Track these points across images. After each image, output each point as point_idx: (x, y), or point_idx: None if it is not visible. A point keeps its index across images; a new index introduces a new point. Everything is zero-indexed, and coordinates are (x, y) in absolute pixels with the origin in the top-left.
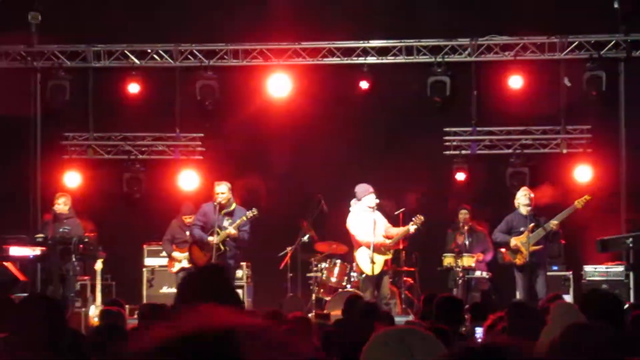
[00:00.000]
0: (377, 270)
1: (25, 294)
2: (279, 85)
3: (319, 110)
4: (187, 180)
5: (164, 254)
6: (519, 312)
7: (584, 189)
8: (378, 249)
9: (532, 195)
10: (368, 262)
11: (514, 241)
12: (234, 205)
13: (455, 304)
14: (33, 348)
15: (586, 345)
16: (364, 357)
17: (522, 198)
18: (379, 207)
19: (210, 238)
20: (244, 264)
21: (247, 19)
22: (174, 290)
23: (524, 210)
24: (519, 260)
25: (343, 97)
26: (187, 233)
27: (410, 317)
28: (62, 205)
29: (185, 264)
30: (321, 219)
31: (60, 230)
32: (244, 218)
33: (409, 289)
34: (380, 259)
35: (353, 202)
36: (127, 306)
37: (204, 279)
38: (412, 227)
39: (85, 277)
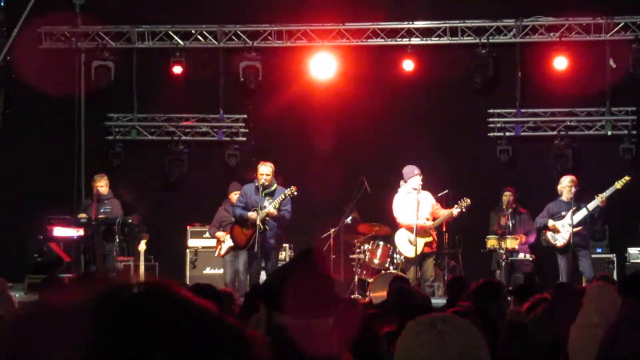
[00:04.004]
0: (417, 252)
1: (69, 275)
2: (323, 67)
3: (363, 92)
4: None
5: (207, 235)
6: (564, 294)
7: (628, 171)
8: (420, 231)
9: (576, 182)
10: (407, 244)
11: (551, 222)
12: (275, 186)
13: (496, 288)
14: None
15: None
16: (399, 348)
17: (566, 186)
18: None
19: (250, 214)
20: (286, 245)
21: (291, 0)
22: (217, 271)
23: (566, 197)
24: (559, 242)
25: (387, 78)
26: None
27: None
28: (104, 186)
29: (230, 242)
30: (364, 200)
31: (102, 210)
32: (283, 196)
33: (452, 271)
34: (420, 241)
35: (401, 183)
36: None
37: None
38: (455, 210)
39: (129, 258)
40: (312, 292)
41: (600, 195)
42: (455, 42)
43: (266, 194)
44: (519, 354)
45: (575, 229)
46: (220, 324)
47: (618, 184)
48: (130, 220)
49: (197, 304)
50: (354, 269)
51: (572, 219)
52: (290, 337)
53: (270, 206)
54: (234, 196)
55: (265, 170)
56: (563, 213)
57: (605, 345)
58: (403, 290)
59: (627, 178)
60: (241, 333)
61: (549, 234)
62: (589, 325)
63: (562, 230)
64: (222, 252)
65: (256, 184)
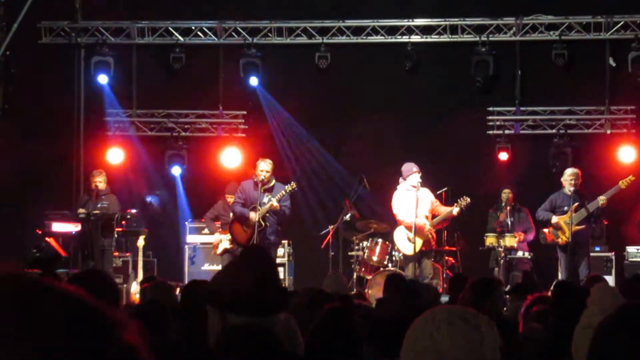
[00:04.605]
0: (416, 250)
1: (67, 270)
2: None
3: (362, 89)
4: (230, 158)
5: (205, 231)
6: (564, 292)
7: (627, 170)
8: (418, 229)
9: (580, 176)
10: (405, 242)
11: (555, 218)
12: (273, 182)
13: (491, 285)
14: None
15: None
16: (418, 333)
17: (567, 179)
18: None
19: (251, 214)
20: (285, 242)
21: None
22: (215, 267)
23: (568, 189)
24: (561, 240)
25: (387, 75)
26: (231, 215)
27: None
28: (102, 182)
29: (227, 244)
30: (363, 197)
31: (99, 205)
32: (283, 192)
33: (450, 268)
34: (419, 239)
35: (400, 180)
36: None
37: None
38: (455, 209)
39: (127, 254)
40: (263, 290)
41: (600, 197)
42: (455, 40)
43: (265, 189)
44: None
45: (576, 228)
46: (93, 310)
47: (622, 184)
48: (128, 216)
49: (72, 292)
50: (353, 266)
51: (572, 217)
52: (247, 336)
53: (273, 199)
54: (229, 198)
55: (264, 166)
56: (565, 208)
57: (597, 340)
58: (409, 285)
59: (631, 178)
60: (114, 320)
61: (552, 230)
62: (593, 326)
63: (565, 228)
64: (219, 251)
65: (255, 179)
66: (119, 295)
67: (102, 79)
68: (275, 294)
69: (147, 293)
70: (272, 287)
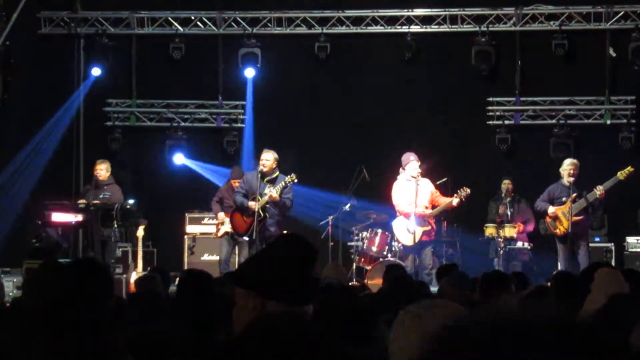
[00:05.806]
0: (415, 240)
1: (67, 260)
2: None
3: (362, 79)
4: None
5: (205, 221)
6: (564, 282)
7: (627, 160)
8: (418, 219)
9: (578, 166)
10: (405, 232)
11: (552, 209)
12: (277, 174)
13: (501, 278)
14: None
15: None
16: (391, 335)
17: (565, 169)
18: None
19: (251, 203)
20: (285, 232)
21: None
22: (215, 257)
23: (566, 180)
24: (559, 230)
25: (386, 66)
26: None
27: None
28: (104, 171)
29: (228, 227)
30: (363, 187)
31: (101, 196)
32: (283, 184)
33: (450, 259)
34: (418, 230)
35: (401, 170)
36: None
37: None
38: (455, 200)
39: (127, 244)
40: (306, 278)
41: (598, 187)
42: (455, 30)
43: (268, 181)
44: None
45: (574, 219)
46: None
47: (620, 175)
48: (128, 206)
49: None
50: (352, 256)
51: (571, 208)
52: (290, 325)
53: (272, 191)
54: (235, 183)
55: (266, 156)
56: (564, 199)
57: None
58: (399, 278)
59: (630, 169)
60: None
61: (549, 221)
62: None
63: (563, 219)
64: (220, 234)
65: (257, 170)
66: (113, 284)
67: (96, 71)
68: (312, 283)
69: (186, 282)
70: (311, 276)
